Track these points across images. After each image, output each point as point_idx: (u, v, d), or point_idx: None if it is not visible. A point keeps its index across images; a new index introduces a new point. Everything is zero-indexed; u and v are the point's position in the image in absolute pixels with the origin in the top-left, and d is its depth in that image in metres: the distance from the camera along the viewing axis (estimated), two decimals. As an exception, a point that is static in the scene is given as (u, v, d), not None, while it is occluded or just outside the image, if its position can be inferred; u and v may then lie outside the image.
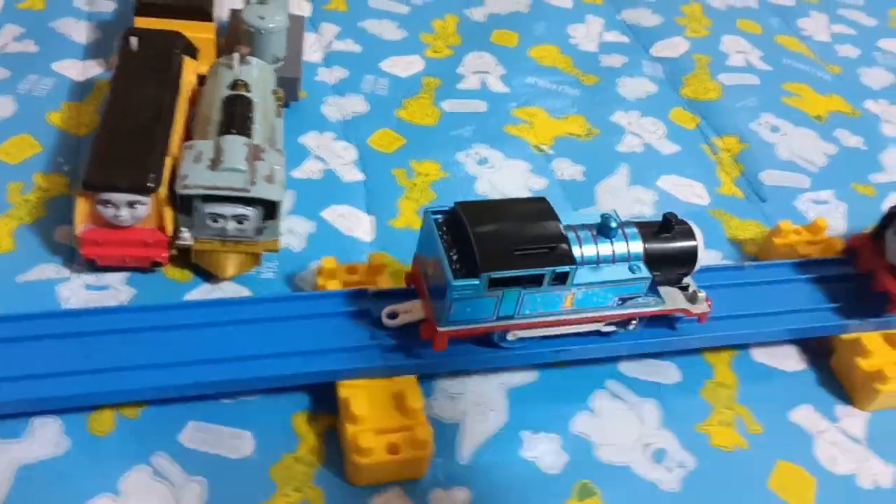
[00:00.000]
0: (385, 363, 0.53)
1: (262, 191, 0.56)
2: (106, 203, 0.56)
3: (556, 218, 0.53)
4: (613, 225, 0.54)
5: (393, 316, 0.56)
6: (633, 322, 0.58)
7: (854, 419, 0.60)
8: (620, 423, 0.57)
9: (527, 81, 0.86)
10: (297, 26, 0.80)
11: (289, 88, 0.74)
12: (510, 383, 0.58)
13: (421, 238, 0.55)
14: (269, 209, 0.57)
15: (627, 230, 0.55)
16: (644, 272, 0.54)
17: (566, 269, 0.51)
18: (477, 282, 0.50)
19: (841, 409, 0.60)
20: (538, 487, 0.53)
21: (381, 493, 0.51)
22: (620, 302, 0.55)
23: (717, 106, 0.86)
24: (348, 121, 0.77)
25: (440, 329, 0.52)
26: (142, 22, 0.72)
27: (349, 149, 0.74)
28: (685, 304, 0.58)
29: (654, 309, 0.56)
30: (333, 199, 0.69)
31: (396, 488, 0.51)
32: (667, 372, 0.61)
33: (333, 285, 0.58)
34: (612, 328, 0.58)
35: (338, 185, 0.71)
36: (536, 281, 0.51)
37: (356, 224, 0.67)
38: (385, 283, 0.59)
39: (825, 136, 0.85)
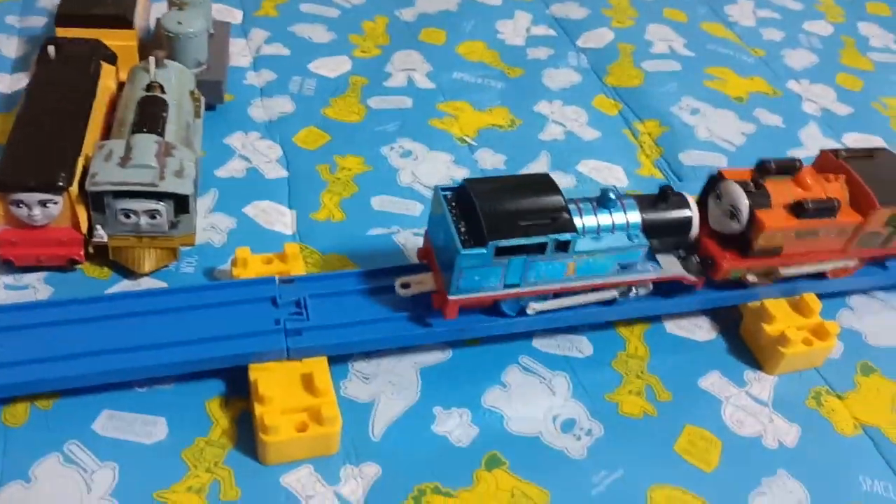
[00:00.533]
0: (293, 345, 0.55)
1: (171, 185, 0.58)
2: (19, 203, 0.57)
3: (558, 191, 0.56)
4: (613, 196, 0.57)
5: (406, 286, 0.58)
6: (634, 290, 0.60)
7: (762, 383, 0.61)
8: (531, 397, 0.58)
9: (453, 77, 0.88)
10: (222, 32, 0.82)
11: (212, 91, 0.76)
12: (424, 362, 0.59)
13: (431, 215, 0.58)
14: (181, 203, 0.59)
15: (626, 201, 0.58)
16: (641, 240, 0.57)
17: (568, 237, 0.54)
18: (484, 250, 0.53)
19: (750, 374, 0.62)
20: (447, 460, 0.54)
21: (292, 471, 0.52)
22: (620, 269, 0.58)
23: (639, 92, 0.89)
24: (274, 121, 0.79)
25: (451, 297, 0.55)
26: (63, 32, 0.73)
27: (274, 147, 0.76)
28: (682, 272, 0.61)
29: (653, 275, 0.59)
30: (256, 195, 0.71)
31: (307, 466, 0.53)
32: (580, 346, 0.62)
33: (247, 275, 0.60)
34: (613, 295, 0.60)
35: (261, 182, 0.72)
36: (540, 249, 0.54)
37: (277, 218, 0.69)
38: (298, 270, 0.61)
39: (744, 116, 0.87)
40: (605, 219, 0.57)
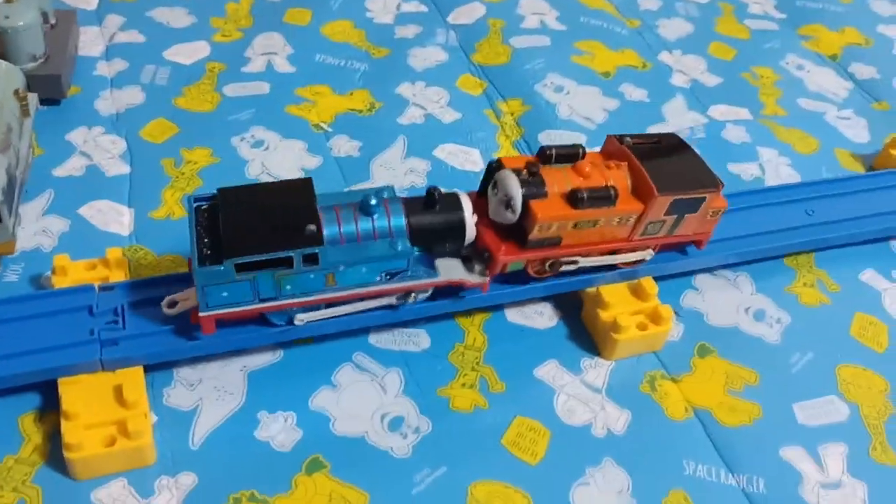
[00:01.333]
0: (107, 356, 0.54)
1: (-26, 194, 0.56)
2: None
3: (312, 199, 0.53)
4: (374, 202, 0.54)
5: (173, 305, 0.56)
6: (413, 295, 0.58)
7: (598, 370, 0.61)
8: (361, 396, 0.58)
9: (315, 60, 0.86)
10: (66, 21, 0.79)
11: (51, 86, 0.73)
12: (252, 365, 0.59)
13: (189, 223, 0.55)
14: (-11, 212, 0.57)
15: (391, 206, 0.55)
16: (405, 246, 0.54)
17: (313, 250, 0.52)
18: (222, 268, 0.50)
19: (587, 361, 0.62)
20: (267, 465, 0.53)
21: (104, 485, 0.51)
22: (388, 277, 0.56)
23: (505, 70, 0.87)
24: (121, 114, 0.77)
25: (201, 314, 0.53)
26: None
27: (118, 142, 0.74)
28: (463, 275, 0.58)
29: (424, 281, 0.57)
30: (94, 194, 0.69)
31: (121, 479, 0.52)
32: (418, 339, 0.62)
33: (67, 283, 0.58)
34: (392, 301, 0.58)
35: (101, 180, 0.70)
36: (287, 262, 0.52)
37: (114, 218, 0.67)
38: (120, 276, 0.59)
39: (609, 91, 0.86)
40: (365, 225, 0.54)
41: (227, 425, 0.55)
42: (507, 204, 0.57)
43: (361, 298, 0.56)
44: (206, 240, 0.52)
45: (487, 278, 0.58)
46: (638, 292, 0.63)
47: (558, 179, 0.58)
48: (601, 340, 0.63)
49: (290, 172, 0.73)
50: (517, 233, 0.58)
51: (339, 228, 0.54)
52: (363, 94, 0.82)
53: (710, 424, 0.59)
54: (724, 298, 0.68)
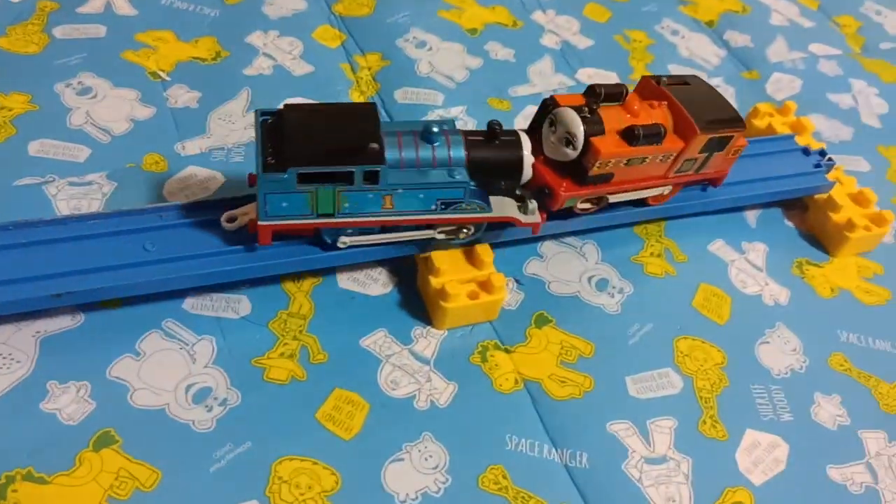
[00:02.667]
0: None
1: None
2: None
3: (376, 122, 0.53)
4: (435, 130, 0.54)
5: (232, 220, 0.57)
6: (465, 230, 0.58)
7: (429, 339, 0.59)
8: (166, 365, 0.54)
9: (161, 3, 0.80)
10: None
11: None
12: (48, 330, 0.54)
13: (255, 135, 0.55)
14: None
15: (452, 137, 0.55)
16: (463, 176, 0.54)
17: (375, 167, 0.52)
18: (285, 176, 0.51)
19: (419, 331, 0.59)
20: (51, 441, 0.49)
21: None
22: (444, 207, 0.55)
23: (367, 22, 0.83)
24: (-68, 53, 0.70)
25: (260, 223, 0.53)
26: None
27: (-77, 84, 0.67)
28: (516, 214, 0.58)
29: (478, 215, 0.57)
30: None
31: None
32: (237, 306, 0.58)
33: None
34: (442, 235, 0.58)
35: None
36: (348, 179, 0.52)
37: None
38: None
39: (474, 49, 0.83)
40: (425, 152, 0.54)
41: (10, 396, 0.50)
42: (568, 141, 0.58)
43: (416, 226, 0.57)
44: (271, 150, 0.52)
45: (540, 219, 0.59)
46: (473, 259, 0.60)
47: (612, 117, 0.59)
48: (432, 309, 0.60)
49: (118, 124, 0.67)
50: (573, 169, 0.59)
51: (400, 153, 0.54)
52: (210, 42, 0.77)
53: (539, 397, 0.57)
54: (569, 267, 0.65)
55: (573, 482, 0.53)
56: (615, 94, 0.60)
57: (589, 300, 0.63)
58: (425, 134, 0.54)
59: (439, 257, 0.59)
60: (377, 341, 0.58)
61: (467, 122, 0.74)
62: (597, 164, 0.58)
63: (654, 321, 0.63)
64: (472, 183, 0.55)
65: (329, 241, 0.57)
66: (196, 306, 0.57)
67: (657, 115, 0.60)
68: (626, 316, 0.63)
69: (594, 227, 0.66)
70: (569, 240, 0.67)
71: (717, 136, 0.62)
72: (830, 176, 0.74)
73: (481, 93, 0.77)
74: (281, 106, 0.55)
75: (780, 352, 0.63)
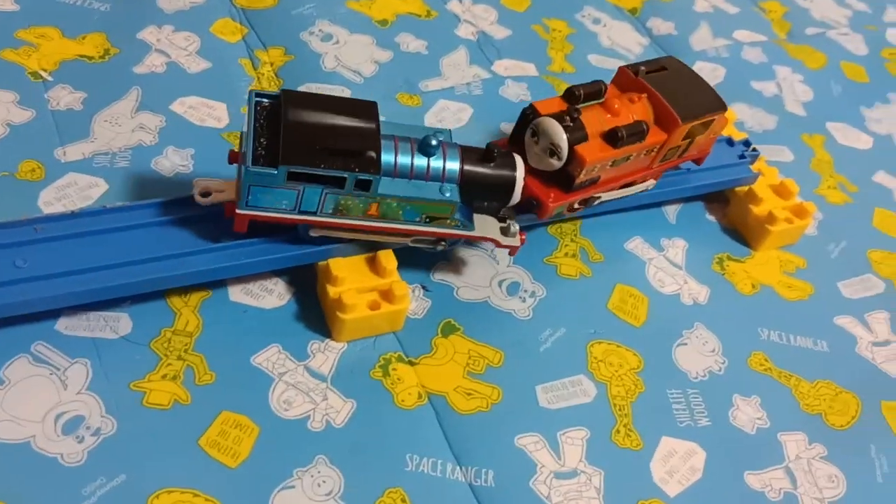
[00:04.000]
0: None
1: None
2: None
3: (376, 124, 0.51)
4: (434, 143, 0.53)
5: (207, 194, 0.55)
6: (443, 243, 0.56)
7: (327, 354, 0.55)
8: (33, 393, 0.49)
9: (48, -3, 0.75)
10: None
11: None
12: None
13: (247, 118, 0.52)
14: None
15: (449, 150, 0.54)
16: (453, 195, 0.53)
17: (369, 176, 0.50)
18: (275, 172, 0.49)
19: (316, 345, 0.55)
20: None
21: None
22: (428, 221, 0.54)
23: (271, 14, 0.78)
24: None
25: (238, 211, 0.51)
26: None
27: None
28: (496, 235, 0.57)
29: (460, 232, 0.56)
30: None
31: None
32: (116, 324, 0.54)
33: None
34: (418, 244, 0.57)
35: None
36: (338, 183, 0.50)
37: None
38: None
39: (384, 41, 0.79)
40: (420, 162, 0.53)
41: None
42: (553, 151, 0.56)
43: (396, 234, 0.55)
44: (262, 140, 0.50)
45: (519, 242, 0.58)
46: (375, 266, 0.57)
47: (593, 120, 0.58)
48: (331, 321, 0.56)
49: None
50: (559, 178, 0.58)
51: (396, 159, 0.52)
52: (98, 39, 0.72)
53: (444, 412, 0.54)
54: (479, 271, 0.62)
55: (477, 502, 0.50)
56: (594, 92, 0.59)
57: (499, 306, 0.60)
58: (423, 145, 0.53)
59: (338, 265, 0.56)
60: (270, 358, 0.54)
61: (374, 119, 0.70)
62: (583, 172, 0.57)
63: (568, 325, 0.60)
64: (458, 202, 0.54)
65: (305, 235, 0.55)
66: (70, 327, 0.52)
67: (638, 109, 0.59)
68: (537, 321, 0.60)
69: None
70: (487, 245, 0.64)
71: (698, 122, 0.61)
72: (753, 167, 0.72)
73: (391, 88, 0.73)
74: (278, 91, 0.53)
75: (698, 353, 0.61)
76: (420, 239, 0.56)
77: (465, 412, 0.54)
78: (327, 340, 0.56)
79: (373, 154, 0.50)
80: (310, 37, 0.77)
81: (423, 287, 0.60)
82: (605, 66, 0.83)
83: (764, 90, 0.86)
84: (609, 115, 0.58)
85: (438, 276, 0.61)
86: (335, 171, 0.50)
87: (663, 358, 0.60)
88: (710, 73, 0.86)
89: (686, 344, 0.61)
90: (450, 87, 0.75)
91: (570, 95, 0.58)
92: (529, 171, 0.58)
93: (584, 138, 0.56)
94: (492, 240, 0.57)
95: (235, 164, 0.53)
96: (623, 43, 0.87)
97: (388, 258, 0.57)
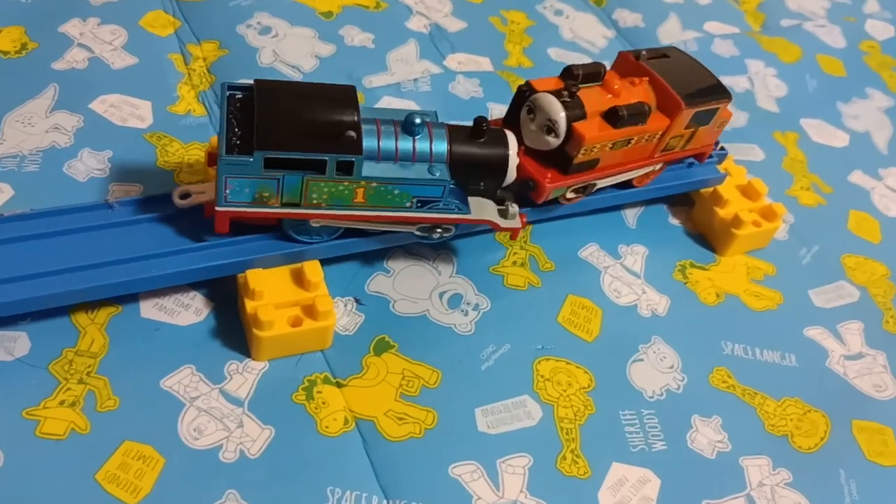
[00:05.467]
0: None
1: None
2: None
3: (355, 106, 0.49)
4: (418, 121, 0.51)
5: (186, 196, 0.52)
6: (439, 230, 0.54)
7: (245, 376, 0.50)
8: (-87, 423, 0.45)
9: (-39, -13, 0.70)
10: None
11: None
12: None
13: (220, 111, 0.50)
14: None
15: (435, 130, 0.52)
16: (443, 174, 0.51)
17: (350, 157, 0.48)
18: (251, 159, 0.47)
19: (234, 366, 0.50)
20: None
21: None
22: (419, 205, 0.52)
23: (206, 6, 0.73)
24: None
25: (218, 208, 0.49)
26: None
27: None
28: (495, 217, 0.54)
29: (454, 216, 0.53)
30: None
31: None
32: (12, 344, 0.48)
33: None
34: (417, 233, 0.54)
35: None
36: (319, 167, 0.48)
37: None
38: None
39: (327, 34, 0.74)
40: (405, 144, 0.51)
41: None
42: (550, 128, 0.54)
43: (387, 222, 0.53)
44: (236, 130, 0.48)
45: (521, 224, 0.55)
46: (300, 279, 0.52)
47: (592, 99, 0.55)
48: (249, 339, 0.51)
49: None
50: (557, 158, 0.56)
51: (378, 143, 0.50)
52: (16, 32, 0.66)
53: (372, 439, 0.49)
54: (419, 282, 0.57)
55: (404, 541, 0.46)
56: (593, 73, 0.57)
57: (438, 320, 0.55)
58: (407, 125, 0.51)
59: (258, 277, 0.51)
60: (182, 381, 0.49)
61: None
62: (581, 151, 0.55)
63: (513, 341, 0.55)
64: (451, 181, 0.51)
65: (292, 233, 0.52)
66: (-40, 347, 0.48)
67: (639, 92, 0.58)
68: (480, 336, 0.55)
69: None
70: (421, 250, 0.59)
71: (702, 109, 0.59)
72: (721, 167, 0.68)
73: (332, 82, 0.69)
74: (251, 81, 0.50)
75: (654, 370, 0.56)
76: (419, 227, 0.54)
77: (395, 439, 0.49)
78: (247, 360, 0.51)
79: (352, 134, 0.48)
80: (247, 30, 0.72)
81: (357, 300, 0.56)
82: (566, 60, 0.79)
83: (735, 85, 0.82)
84: (609, 96, 0.56)
85: (374, 288, 0.56)
86: (314, 154, 0.47)
87: (617, 376, 0.55)
88: (678, 68, 0.81)
89: (642, 360, 0.57)
90: (395, 83, 0.70)
91: (569, 74, 0.56)
92: (525, 151, 0.56)
93: (583, 116, 0.55)
94: (490, 222, 0.54)
95: (211, 168, 0.52)
96: (586, 36, 0.82)
97: (313, 270, 0.52)
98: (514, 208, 0.55)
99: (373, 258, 0.58)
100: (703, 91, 0.60)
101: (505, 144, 0.53)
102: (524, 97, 0.56)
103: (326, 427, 0.49)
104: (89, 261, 0.49)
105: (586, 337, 0.57)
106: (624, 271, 0.62)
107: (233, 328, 0.52)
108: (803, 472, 0.53)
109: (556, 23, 0.83)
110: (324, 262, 0.54)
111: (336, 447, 0.48)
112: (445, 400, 0.52)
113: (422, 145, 0.51)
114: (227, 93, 0.50)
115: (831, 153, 0.78)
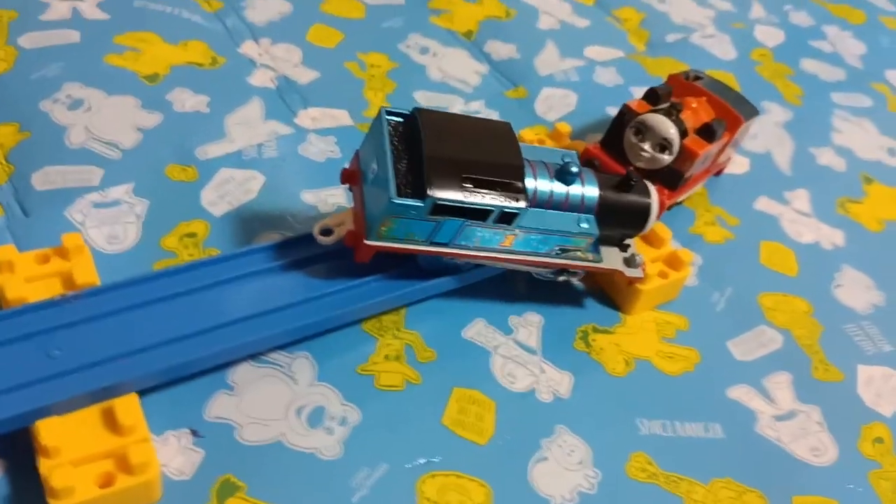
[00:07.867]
0: None
1: None
2: None
3: (517, 148, 0.49)
4: (574, 170, 0.51)
5: (328, 233, 0.51)
6: (566, 274, 0.54)
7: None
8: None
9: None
10: None
11: None
12: None
13: (369, 136, 0.50)
14: None
15: (586, 176, 0.53)
16: (592, 228, 0.52)
17: (515, 210, 0.48)
18: (421, 204, 0.45)
19: (33, 544, 0.40)
20: None
21: None
22: (560, 252, 0.52)
23: (2, 82, 0.63)
24: None
25: (367, 242, 0.47)
26: None
27: None
28: (621, 266, 0.55)
29: (590, 264, 0.54)
30: None
31: None
32: None
33: None
34: (541, 272, 0.54)
35: None
36: (482, 215, 0.47)
37: None
38: None
39: (151, 102, 0.62)
40: (560, 191, 0.51)
41: None
42: (664, 147, 0.59)
43: (523, 265, 0.53)
44: (398, 166, 0.47)
45: (643, 274, 0.55)
46: (111, 422, 0.41)
47: (686, 118, 0.60)
48: (48, 510, 0.41)
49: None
50: (664, 176, 0.59)
51: (535, 187, 0.50)
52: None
53: None
54: (271, 396, 0.47)
55: None
56: (667, 94, 0.62)
57: (297, 445, 0.45)
58: (563, 174, 0.51)
59: (51, 428, 0.40)
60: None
61: (133, 204, 0.55)
62: (693, 165, 0.59)
63: (390, 459, 0.46)
64: (597, 235, 0.52)
65: (424, 265, 0.52)
66: None
67: (704, 110, 0.62)
68: (349, 460, 0.45)
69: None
70: (273, 356, 0.49)
71: (749, 123, 0.65)
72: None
73: (157, 160, 0.58)
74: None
75: (562, 468, 0.47)
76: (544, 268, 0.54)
77: None
78: (46, 537, 0.40)
79: (520, 185, 0.48)
80: (53, 105, 0.61)
81: (193, 432, 0.45)
82: (435, 103, 0.70)
83: (623, 114, 0.75)
84: (690, 113, 0.61)
85: (215, 413, 0.46)
86: (484, 205, 0.46)
87: (518, 483, 0.46)
88: (561, 101, 0.74)
89: (546, 458, 0.48)
90: (236, 151, 0.60)
91: (654, 96, 0.61)
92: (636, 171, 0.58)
93: (687, 133, 0.59)
94: (616, 271, 0.55)
95: (350, 187, 0.51)
96: (457, 73, 0.74)
97: (127, 410, 0.41)
98: (640, 257, 0.56)
99: (212, 372, 0.47)
100: (745, 107, 0.65)
101: (647, 193, 0.54)
102: (625, 120, 0.60)
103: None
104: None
105: (478, 439, 0.48)
106: (518, 348, 0.53)
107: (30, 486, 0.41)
108: (746, 573, 0.46)
109: (421, 62, 0.75)
110: (146, 391, 0.44)
111: None
112: (307, 551, 0.42)
113: (574, 193, 0.52)
114: (386, 117, 0.48)
115: (732, 181, 0.72)
